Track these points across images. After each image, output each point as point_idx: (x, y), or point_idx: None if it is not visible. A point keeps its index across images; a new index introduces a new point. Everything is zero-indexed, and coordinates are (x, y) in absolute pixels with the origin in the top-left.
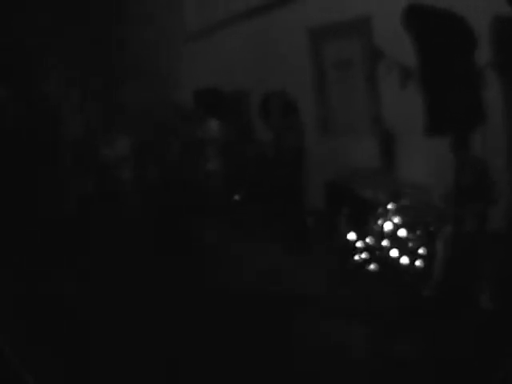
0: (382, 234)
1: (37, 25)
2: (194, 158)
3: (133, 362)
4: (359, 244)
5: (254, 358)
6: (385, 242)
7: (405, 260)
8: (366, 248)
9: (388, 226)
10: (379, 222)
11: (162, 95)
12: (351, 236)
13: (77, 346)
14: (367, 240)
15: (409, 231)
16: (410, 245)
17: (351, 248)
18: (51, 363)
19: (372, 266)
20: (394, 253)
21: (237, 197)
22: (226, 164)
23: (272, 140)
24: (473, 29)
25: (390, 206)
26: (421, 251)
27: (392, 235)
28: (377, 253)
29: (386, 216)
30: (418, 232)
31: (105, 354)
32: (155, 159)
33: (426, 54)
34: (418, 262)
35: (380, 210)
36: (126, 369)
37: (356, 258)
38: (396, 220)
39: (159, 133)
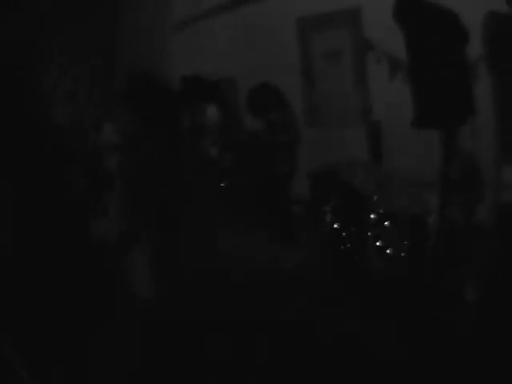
0: (367, 224)
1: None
2: (192, 145)
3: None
4: (345, 234)
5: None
6: (369, 232)
7: (389, 250)
8: (351, 238)
9: (373, 217)
10: (365, 212)
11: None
12: (337, 225)
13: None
14: (352, 230)
15: (394, 222)
16: (395, 235)
17: (337, 237)
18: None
19: (357, 256)
20: (378, 243)
21: (223, 184)
22: (223, 150)
23: (263, 129)
24: (465, 22)
25: (376, 197)
26: (405, 242)
27: (377, 225)
28: (361, 243)
29: (373, 206)
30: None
31: (105, 353)
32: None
33: (416, 45)
34: (402, 253)
35: (367, 201)
36: (126, 368)
37: (342, 247)
38: (381, 211)
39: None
